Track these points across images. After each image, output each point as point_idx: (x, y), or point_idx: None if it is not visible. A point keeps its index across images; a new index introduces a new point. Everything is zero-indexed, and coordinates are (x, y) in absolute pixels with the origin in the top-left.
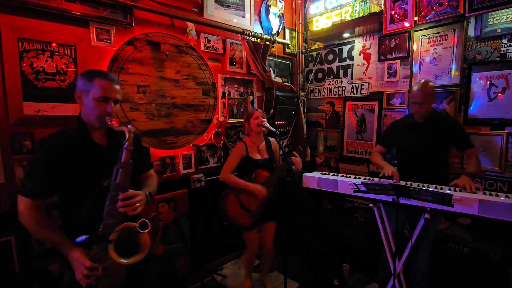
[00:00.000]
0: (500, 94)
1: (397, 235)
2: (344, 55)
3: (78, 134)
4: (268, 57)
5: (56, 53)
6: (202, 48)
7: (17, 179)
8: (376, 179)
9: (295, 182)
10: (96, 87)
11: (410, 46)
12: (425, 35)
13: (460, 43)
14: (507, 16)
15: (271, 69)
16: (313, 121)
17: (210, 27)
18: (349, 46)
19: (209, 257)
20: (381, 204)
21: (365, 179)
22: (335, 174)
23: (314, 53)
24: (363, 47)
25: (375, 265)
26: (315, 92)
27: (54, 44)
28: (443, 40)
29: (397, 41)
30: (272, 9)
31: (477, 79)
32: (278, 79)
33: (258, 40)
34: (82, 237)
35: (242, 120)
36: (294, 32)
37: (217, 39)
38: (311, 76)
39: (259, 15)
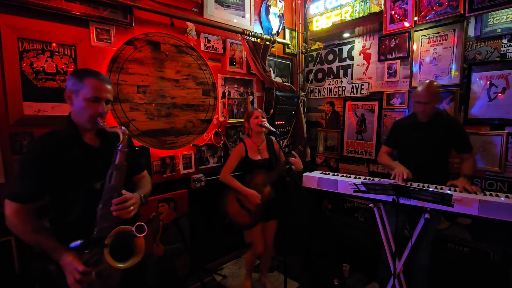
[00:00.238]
0: (500, 94)
1: (397, 235)
2: (344, 55)
3: (69, 136)
4: (268, 57)
5: (56, 53)
6: (202, 48)
7: None
8: (376, 179)
9: (295, 182)
10: (86, 87)
11: (410, 46)
12: (425, 35)
13: (460, 43)
14: (507, 16)
15: (271, 69)
16: (313, 121)
17: (210, 27)
18: (349, 46)
19: (209, 257)
20: (381, 204)
21: (365, 179)
22: (335, 174)
23: (314, 53)
24: (363, 47)
25: (375, 265)
26: (315, 92)
27: (54, 44)
28: (443, 40)
29: (397, 41)
30: (272, 9)
31: (477, 79)
32: (278, 79)
33: (258, 40)
34: (77, 242)
35: (242, 120)
36: (294, 32)
37: (217, 39)
38: (311, 76)
39: (259, 15)
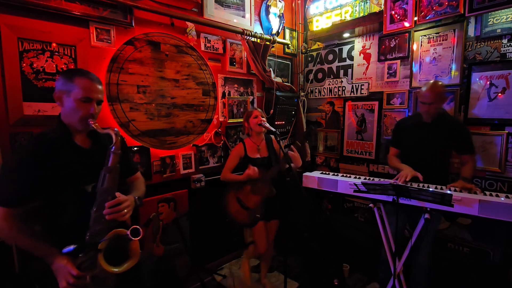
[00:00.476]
0: (500, 94)
1: (397, 235)
2: (344, 55)
3: (59, 137)
4: (268, 57)
5: (56, 53)
6: (202, 48)
7: None
8: (376, 179)
9: (295, 182)
10: (77, 87)
11: (410, 46)
12: (425, 35)
13: (460, 43)
14: (507, 16)
15: (271, 69)
16: (313, 121)
17: (210, 27)
18: (349, 46)
19: (209, 257)
20: (381, 204)
21: (365, 179)
22: (335, 174)
23: (314, 53)
24: (363, 47)
25: (375, 265)
26: (315, 92)
27: (54, 44)
28: (443, 40)
29: (397, 41)
30: (272, 9)
31: (477, 79)
32: (278, 79)
33: (258, 40)
34: (70, 247)
35: (242, 120)
36: (294, 32)
37: (217, 39)
38: (311, 76)
39: (259, 15)
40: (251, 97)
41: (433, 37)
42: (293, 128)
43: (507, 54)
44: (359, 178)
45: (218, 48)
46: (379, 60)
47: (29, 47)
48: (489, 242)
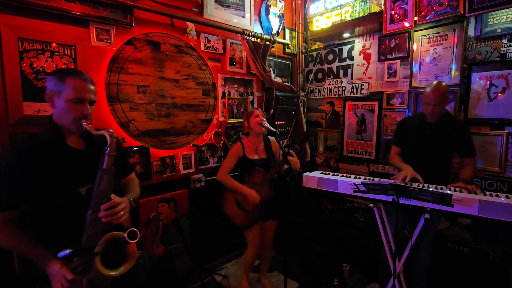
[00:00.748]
0: (500, 94)
1: (397, 235)
2: (344, 55)
3: (50, 139)
4: (268, 57)
5: (56, 53)
6: (202, 48)
7: None
8: (376, 179)
9: (295, 182)
10: (68, 88)
11: (410, 46)
12: (425, 35)
13: (460, 43)
14: (507, 16)
15: (271, 69)
16: (313, 121)
17: (210, 27)
18: (349, 46)
19: (209, 257)
20: (381, 204)
21: (365, 179)
22: (335, 174)
23: (314, 53)
24: (363, 47)
25: (375, 265)
26: (315, 92)
27: (54, 44)
28: (443, 40)
29: (397, 41)
30: (272, 9)
31: (477, 79)
32: (278, 79)
33: (258, 40)
34: (66, 251)
35: (242, 120)
36: (294, 32)
37: (217, 39)
38: (311, 76)
39: (259, 15)
40: (251, 97)
41: (433, 37)
42: (293, 128)
43: (507, 54)
44: (359, 178)
45: (218, 48)
46: (379, 60)
47: (29, 47)
48: (489, 242)
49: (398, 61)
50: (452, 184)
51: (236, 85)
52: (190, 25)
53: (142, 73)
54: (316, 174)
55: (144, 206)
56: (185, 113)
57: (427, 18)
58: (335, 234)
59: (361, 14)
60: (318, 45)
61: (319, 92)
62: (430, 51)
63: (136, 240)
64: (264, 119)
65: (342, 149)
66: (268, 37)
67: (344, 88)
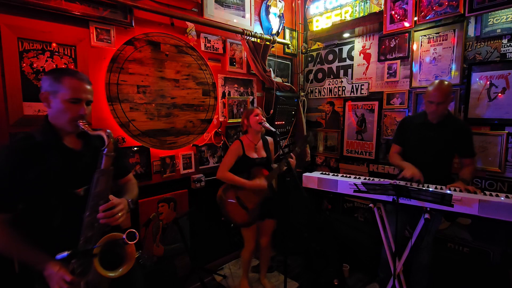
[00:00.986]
0: (500, 94)
1: (397, 235)
2: (344, 55)
3: (45, 140)
4: (268, 57)
5: (56, 53)
6: (202, 48)
7: None
8: (376, 179)
9: (295, 182)
10: (65, 88)
11: (410, 46)
12: (425, 35)
13: (460, 43)
14: (507, 16)
15: (271, 69)
16: (313, 121)
17: (210, 27)
18: (349, 46)
19: (209, 257)
20: (381, 204)
21: (365, 179)
22: (335, 174)
23: (314, 53)
24: (363, 47)
25: (375, 265)
26: (315, 92)
27: (54, 44)
28: (443, 40)
29: (397, 41)
30: (272, 9)
31: (477, 79)
32: (278, 79)
33: (258, 40)
34: (64, 254)
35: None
36: (294, 32)
37: (217, 39)
38: (311, 76)
39: (259, 15)
40: (251, 97)
41: (433, 37)
42: (293, 128)
43: (507, 54)
44: (359, 178)
45: (218, 48)
46: (379, 60)
47: (29, 47)
48: (489, 242)
49: (398, 61)
50: (451, 184)
51: (236, 85)
52: (190, 25)
53: (142, 73)
54: (316, 174)
55: (144, 206)
56: (185, 113)
57: (427, 18)
58: (335, 234)
59: (361, 14)
60: (318, 45)
61: (319, 92)
62: (430, 51)
63: (135, 242)
64: (264, 119)
65: (342, 149)
66: (268, 37)
67: (344, 88)
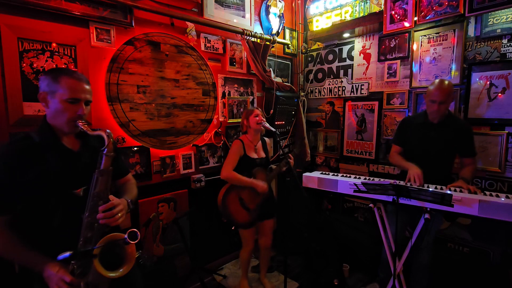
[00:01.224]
0: (500, 94)
1: (398, 235)
2: (344, 55)
3: (43, 140)
4: (268, 57)
5: (56, 53)
6: (202, 48)
7: None
8: (376, 179)
9: (295, 182)
10: (63, 88)
11: (410, 46)
12: (425, 35)
13: (460, 43)
14: (507, 16)
15: (271, 69)
16: (313, 121)
17: (210, 27)
18: (349, 46)
19: (209, 257)
20: (381, 204)
21: (365, 179)
22: (335, 174)
23: (314, 53)
24: (363, 47)
25: (375, 265)
26: (315, 92)
27: (54, 44)
28: (443, 40)
29: (397, 41)
30: (272, 9)
31: (477, 79)
32: (278, 79)
33: (258, 40)
34: (66, 254)
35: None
36: (294, 32)
37: (217, 39)
38: (311, 76)
39: (259, 15)
40: (251, 97)
41: (433, 37)
42: (293, 128)
43: (507, 54)
44: (359, 178)
45: (218, 48)
46: (379, 60)
47: (29, 47)
48: (489, 242)
49: (398, 61)
50: (452, 184)
51: (236, 85)
52: (190, 25)
53: (142, 73)
54: (316, 174)
55: (144, 206)
56: (185, 113)
57: (427, 18)
58: (335, 234)
59: (361, 14)
60: (318, 45)
61: (319, 92)
62: (430, 51)
63: (137, 241)
64: (264, 119)
65: (342, 149)
66: (268, 37)
67: (344, 88)
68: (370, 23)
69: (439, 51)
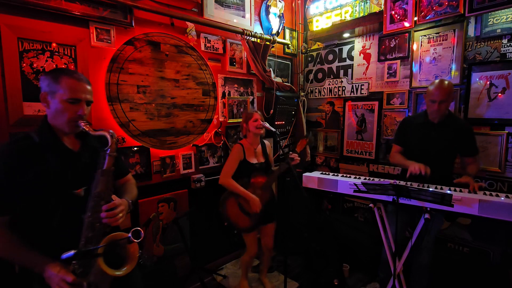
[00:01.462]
0: (500, 94)
1: (398, 235)
2: (344, 55)
3: (44, 141)
4: (268, 57)
5: (56, 53)
6: (202, 48)
7: None
8: (376, 179)
9: (295, 182)
10: (63, 88)
11: (410, 46)
12: (425, 35)
13: (460, 43)
14: (507, 16)
15: (271, 69)
16: (313, 121)
17: (210, 27)
18: (349, 46)
19: (209, 257)
20: (381, 204)
21: (365, 179)
22: (335, 174)
23: (314, 53)
24: (363, 47)
25: (375, 265)
26: (315, 92)
27: (54, 44)
28: (443, 40)
29: (397, 41)
30: (272, 9)
31: (477, 79)
32: (278, 79)
33: (258, 40)
34: (70, 253)
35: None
36: (294, 32)
37: (217, 39)
38: (311, 76)
39: (259, 15)
40: (251, 97)
41: (433, 37)
42: (293, 128)
43: (507, 54)
44: (359, 178)
45: (218, 48)
46: (379, 60)
47: (29, 47)
48: (489, 242)
49: (398, 61)
50: (458, 179)
51: (236, 85)
52: (190, 25)
53: (142, 73)
54: (316, 174)
55: (144, 206)
56: (185, 113)
57: (427, 18)
58: (335, 234)
59: (361, 14)
60: (318, 45)
61: (319, 92)
62: (430, 51)
63: (140, 239)
64: (263, 122)
65: (342, 149)
66: (268, 37)
67: (344, 88)
68: (370, 23)
69: (439, 51)
